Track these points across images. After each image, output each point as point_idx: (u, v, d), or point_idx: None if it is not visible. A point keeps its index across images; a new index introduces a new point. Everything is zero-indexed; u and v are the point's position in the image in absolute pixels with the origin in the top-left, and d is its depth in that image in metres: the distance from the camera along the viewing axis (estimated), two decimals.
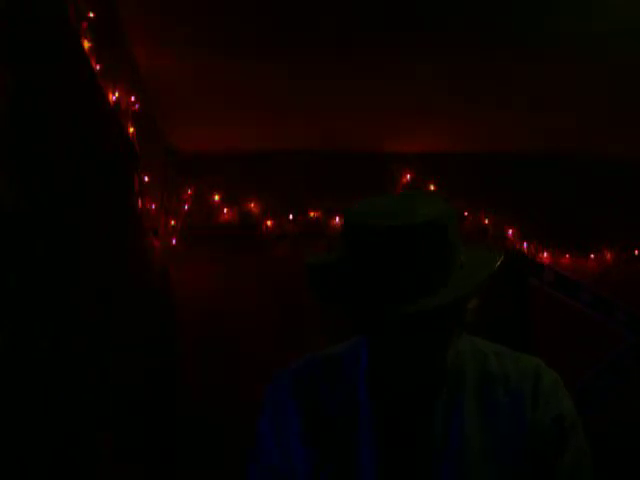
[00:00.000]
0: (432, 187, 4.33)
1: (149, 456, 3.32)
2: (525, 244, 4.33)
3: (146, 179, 3.35)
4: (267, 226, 4.25)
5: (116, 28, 2.90)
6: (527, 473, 1.24)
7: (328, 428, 1.30)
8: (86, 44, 2.33)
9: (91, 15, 2.39)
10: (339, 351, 1.38)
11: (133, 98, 3.05)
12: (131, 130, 2.99)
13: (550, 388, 1.29)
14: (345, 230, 1.18)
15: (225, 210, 4.25)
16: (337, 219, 4.23)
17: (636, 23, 2.96)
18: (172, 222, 4.12)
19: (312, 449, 1.29)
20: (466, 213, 4.33)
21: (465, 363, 1.31)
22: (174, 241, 4.09)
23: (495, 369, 1.31)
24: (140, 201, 3.24)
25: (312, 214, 4.27)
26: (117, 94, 2.76)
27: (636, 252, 4.33)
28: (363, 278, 1.15)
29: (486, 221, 4.34)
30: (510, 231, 4.34)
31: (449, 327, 1.23)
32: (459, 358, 1.31)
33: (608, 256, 4.32)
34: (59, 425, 1.98)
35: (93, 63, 2.40)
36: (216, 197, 4.25)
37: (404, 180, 4.34)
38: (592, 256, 4.33)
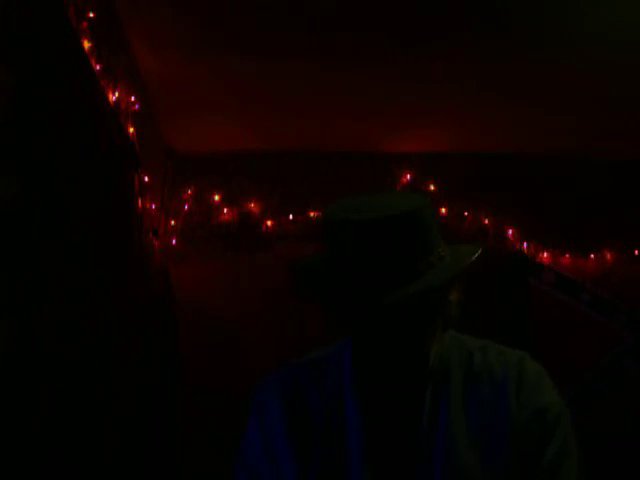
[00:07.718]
0: (432, 187, 4.33)
1: (150, 458, 3.32)
2: (525, 244, 4.32)
3: (146, 179, 3.35)
4: (267, 226, 4.24)
5: (116, 28, 2.90)
6: (513, 464, 1.24)
7: (314, 427, 1.31)
8: (86, 44, 2.33)
9: (91, 15, 2.39)
10: (323, 353, 1.41)
11: (133, 98, 3.05)
12: (131, 130, 2.99)
13: (533, 380, 1.30)
14: (324, 228, 1.22)
15: (225, 210, 4.25)
16: None
17: (635, 22, 2.96)
18: (172, 222, 4.12)
19: (299, 448, 1.30)
20: (466, 213, 4.33)
21: (451, 360, 1.32)
22: (174, 241, 4.09)
23: (479, 364, 1.32)
24: (140, 201, 3.24)
25: (312, 214, 4.26)
26: (117, 94, 2.76)
27: (636, 252, 4.33)
28: (345, 271, 1.17)
29: (486, 221, 4.34)
30: (510, 231, 4.34)
31: (430, 317, 1.24)
32: (445, 355, 1.31)
33: (608, 256, 4.32)
34: (59, 426, 1.98)
35: (93, 63, 2.40)
36: (216, 197, 4.25)
37: (404, 180, 4.34)
38: (592, 256, 4.32)
